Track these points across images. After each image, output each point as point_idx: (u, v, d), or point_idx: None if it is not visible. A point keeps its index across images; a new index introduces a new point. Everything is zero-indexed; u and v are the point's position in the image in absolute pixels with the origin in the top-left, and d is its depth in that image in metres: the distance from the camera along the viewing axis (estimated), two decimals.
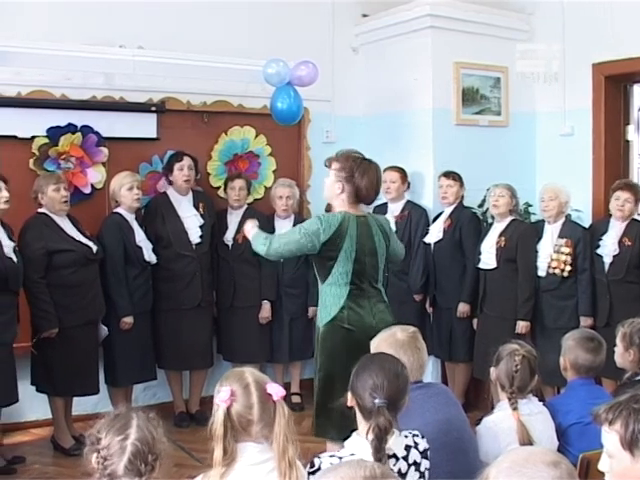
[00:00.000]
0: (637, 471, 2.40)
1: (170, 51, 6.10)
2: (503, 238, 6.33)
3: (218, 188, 7.03)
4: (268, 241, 4.76)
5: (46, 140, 6.21)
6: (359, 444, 2.92)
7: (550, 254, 6.24)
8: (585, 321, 6.15)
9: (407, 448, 2.99)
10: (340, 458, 2.87)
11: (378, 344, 3.65)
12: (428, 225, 6.86)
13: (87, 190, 6.41)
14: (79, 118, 6.32)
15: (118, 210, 6.18)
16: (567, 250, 6.17)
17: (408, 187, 7.03)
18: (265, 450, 2.77)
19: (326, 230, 4.59)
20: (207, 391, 6.52)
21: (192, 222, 6.49)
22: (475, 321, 6.59)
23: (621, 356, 4.30)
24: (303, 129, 7.44)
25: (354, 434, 3.01)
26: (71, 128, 6.28)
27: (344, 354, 4.47)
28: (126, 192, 6.13)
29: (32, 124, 6.17)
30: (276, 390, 2.80)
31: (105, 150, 6.44)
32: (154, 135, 6.75)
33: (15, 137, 6.10)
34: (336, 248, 4.61)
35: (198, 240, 6.48)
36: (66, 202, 5.79)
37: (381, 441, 2.83)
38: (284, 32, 7.05)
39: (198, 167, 6.65)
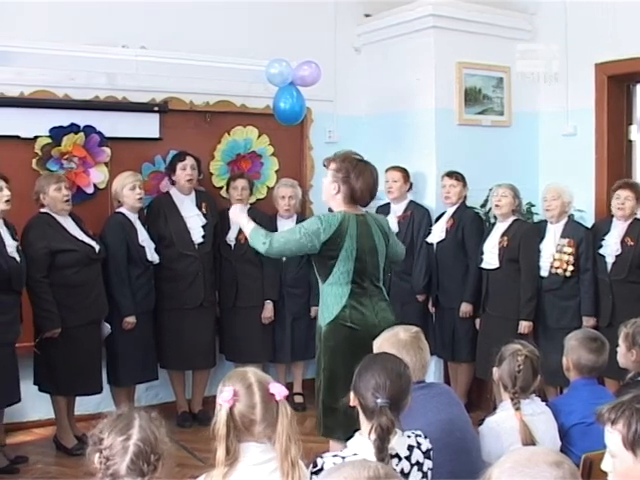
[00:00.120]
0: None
1: (173, 51, 6.10)
2: (506, 238, 6.33)
3: (221, 188, 7.03)
4: (268, 240, 4.73)
5: (49, 140, 6.22)
6: (362, 444, 2.92)
7: (552, 254, 6.24)
8: (588, 321, 6.15)
9: (410, 448, 2.99)
10: (343, 458, 2.88)
11: (381, 344, 3.65)
12: (431, 225, 6.86)
13: (90, 190, 6.42)
14: (82, 118, 6.33)
15: (121, 210, 6.19)
16: (569, 250, 6.17)
17: (410, 187, 7.03)
18: (268, 450, 2.77)
19: (326, 230, 4.58)
20: (210, 391, 6.54)
21: (195, 222, 6.49)
22: (478, 321, 6.59)
23: (624, 356, 4.30)
24: (306, 129, 7.44)
25: (357, 434, 3.01)
26: (74, 128, 6.29)
27: (348, 353, 4.47)
28: (128, 192, 6.13)
29: (35, 124, 6.18)
30: (279, 390, 2.80)
31: (108, 150, 6.45)
32: (157, 135, 6.75)
33: (18, 137, 6.11)
34: (337, 247, 4.61)
35: (201, 240, 6.49)
36: (68, 201, 5.79)
37: (383, 441, 2.84)
38: (287, 32, 7.06)
39: (201, 167, 6.66)
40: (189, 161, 6.47)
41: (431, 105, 7.10)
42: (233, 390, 2.75)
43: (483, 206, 6.98)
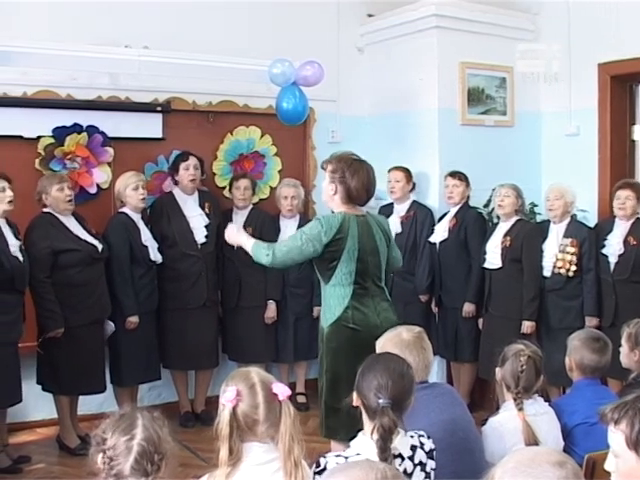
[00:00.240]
0: None
1: (175, 51, 6.10)
2: (508, 238, 6.32)
3: (223, 188, 7.03)
4: (271, 251, 4.70)
5: (52, 140, 6.23)
6: (365, 444, 2.92)
7: (555, 254, 6.24)
8: (590, 321, 6.14)
9: (413, 448, 2.99)
10: (346, 458, 2.88)
11: (384, 344, 3.65)
12: (434, 225, 6.86)
13: (93, 190, 6.42)
14: (85, 118, 6.33)
15: (124, 210, 6.19)
16: (572, 250, 6.17)
17: (413, 187, 7.02)
18: (271, 450, 2.77)
19: (327, 232, 4.57)
20: (212, 391, 6.54)
21: (198, 222, 6.50)
22: (480, 321, 6.59)
23: (627, 356, 4.30)
24: (308, 129, 7.44)
25: (360, 434, 3.01)
26: (77, 128, 6.29)
27: (350, 354, 4.47)
28: (132, 192, 6.13)
29: (38, 124, 6.18)
30: (282, 390, 2.80)
31: (111, 150, 6.46)
32: (160, 135, 6.76)
33: (21, 137, 6.12)
34: (338, 249, 4.60)
35: (204, 240, 6.49)
36: (70, 201, 5.80)
37: (386, 441, 2.84)
38: (289, 32, 7.06)
39: (204, 167, 6.66)
40: (192, 161, 6.47)
41: (434, 105, 7.10)
42: (236, 390, 2.76)
43: (486, 206, 6.99)
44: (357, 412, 3.09)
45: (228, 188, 6.93)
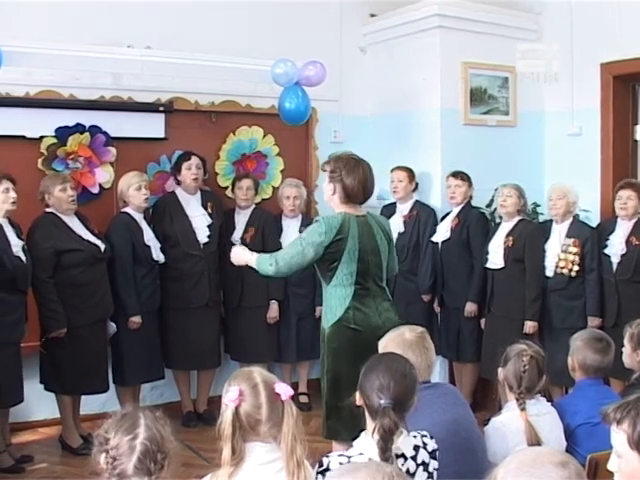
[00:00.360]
0: None
1: (178, 51, 6.09)
2: (511, 238, 6.32)
3: (226, 188, 7.03)
4: (274, 260, 4.70)
5: (54, 140, 6.23)
6: (367, 443, 2.92)
7: (558, 254, 6.23)
8: (593, 321, 6.14)
9: (416, 448, 2.99)
10: (349, 457, 2.89)
11: (386, 344, 3.65)
12: (436, 225, 6.85)
13: (95, 190, 6.43)
14: (87, 118, 6.33)
15: (126, 210, 6.19)
16: (575, 250, 6.17)
17: (416, 187, 7.02)
18: (273, 450, 2.77)
19: (328, 233, 4.57)
20: (215, 391, 6.53)
21: (200, 221, 6.50)
22: (483, 321, 6.59)
23: (629, 357, 4.30)
24: (311, 129, 7.44)
25: (363, 434, 3.01)
26: (79, 128, 6.30)
27: (351, 354, 4.48)
28: (134, 192, 6.14)
29: (40, 124, 6.18)
30: (284, 390, 2.80)
31: (113, 150, 6.46)
32: (162, 135, 6.76)
33: (24, 137, 6.12)
34: (339, 249, 4.60)
35: (206, 240, 6.49)
36: (73, 201, 5.80)
37: (387, 442, 2.83)
38: (292, 32, 7.06)
39: (206, 167, 6.66)
40: (194, 161, 6.47)
41: (436, 105, 7.10)
42: (239, 390, 2.76)
43: (489, 206, 6.98)
44: (359, 412, 3.10)
45: (230, 188, 6.93)
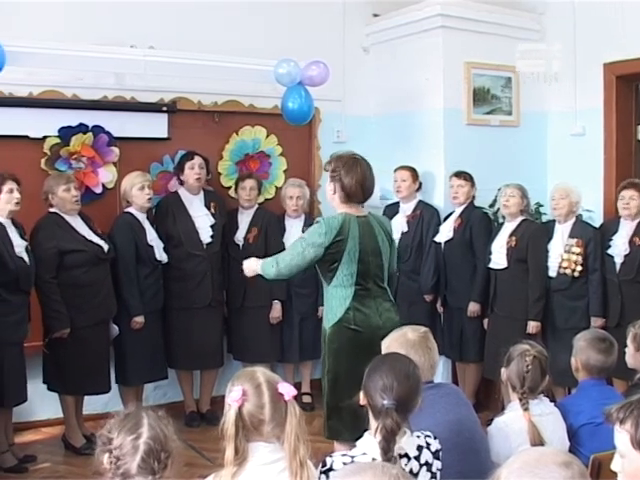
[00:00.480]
0: None
1: (181, 51, 6.09)
2: (514, 238, 6.32)
3: (229, 188, 7.04)
4: (275, 262, 4.75)
5: (57, 140, 6.24)
6: (371, 443, 2.92)
7: (561, 254, 6.23)
8: (596, 321, 6.13)
9: (419, 448, 2.99)
10: (352, 457, 2.89)
11: (389, 344, 3.65)
12: (439, 225, 6.85)
13: (98, 190, 6.43)
14: (90, 118, 6.34)
15: (129, 210, 6.19)
16: (578, 250, 6.16)
17: (420, 187, 7.02)
18: (276, 450, 2.77)
19: (328, 234, 4.57)
20: (218, 391, 6.55)
21: (203, 222, 6.50)
22: (486, 321, 6.58)
23: (632, 357, 4.30)
24: (314, 129, 7.44)
25: (366, 433, 3.01)
26: (82, 128, 6.30)
27: (352, 355, 4.51)
28: (137, 192, 6.14)
29: (44, 124, 6.19)
30: (287, 390, 2.80)
31: (116, 150, 6.46)
32: (165, 135, 6.77)
33: (27, 137, 6.12)
34: (339, 250, 4.60)
35: (209, 240, 6.49)
36: (77, 202, 5.81)
37: (389, 442, 2.83)
38: (295, 32, 7.06)
39: (209, 167, 6.66)
40: (197, 160, 6.47)
41: (439, 105, 7.10)
42: (242, 390, 2.76)
43: (492, 206, 6.98)
44: (359, 412, 3.10)
45: (234, 188, 6.93)
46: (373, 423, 2.97)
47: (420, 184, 7.01)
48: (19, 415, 5.95)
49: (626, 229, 6.15)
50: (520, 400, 3.75)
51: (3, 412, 5.54)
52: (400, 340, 3.62)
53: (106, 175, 6.45)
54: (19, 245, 5.42)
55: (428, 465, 3.00)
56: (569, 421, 3.89)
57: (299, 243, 4.69)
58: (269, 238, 6.64)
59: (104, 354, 6.00)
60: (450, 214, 6.84)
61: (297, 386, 6.55)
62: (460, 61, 7.08)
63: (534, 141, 7.54)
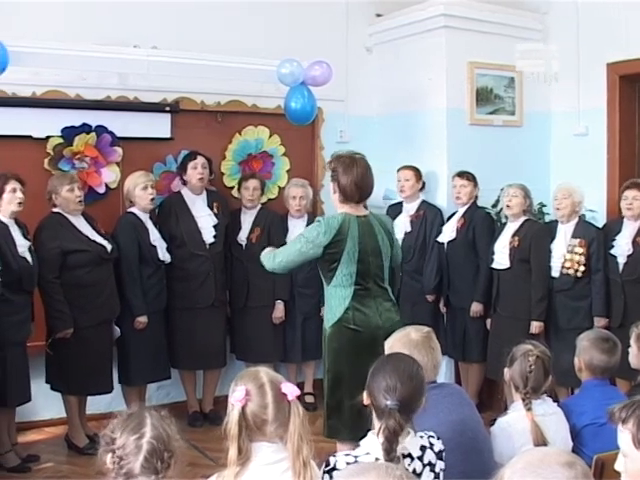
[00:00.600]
0: None
1: (184, 51, 6.10)
2: (516, 238, 6.32)
3: (232, 188, 7.04)
4: (272, 255, 4.79)
5: (61, 140, 6.24)
6: (374, 443, 2.92)
7: (564, 254, 6.22)
8: (599, 322, 6.13)
9: (422, 448, 2.99)
10: (356, 457, 2.89)
11: (392, 344, 3.65)
12: (443, 225, 6.85)
13: (101, 190, 6.44)
14: (93, 118, 6.35)
15: (132, 210, 6.20)
16: (581, 250, 6.16)
17: (423, 186, 7.02)
18: (279, 450, 2.77)
19: (327, 233, 4.59)
20: (220, 390, 6.54)
21: (206, 222, 6.50)
22: (489, 321, 6.58)
23: (635, 357, 4.29)
24: (317, 129, 7.44)
25: (370, 433, 3.00)
26: (85, 128, 6.31)
27: (351, 354, 4.54)
28: (140, 192, 6.14)
29: (47, 124, 6.20)
30: (291, 390, 2.80)
31: (119, 150, 6.47)
32: (168, 135, 6.77)
33: (30, 137, 6.13)
34: (338, 250, 4.61)
35: (212, 240, 6.49)
36: (81, 202, 5.81)
37: (392, 443, 2.83)
38: (298, 32, 7.07)
39: (212, 167, 6.66)
40: (200, 160, 6.47)
41: (442, 105, 7.09)
42: (245, 390, 2.76)
43: (494, 206, 6.98)
44: (359, 412, 3.10)
45: (237, 188, 6.94)
46: (376, 423, 2.97)
47: (423, 184, 7.01)
48: (22, 415, 5.95)
49: (629, 229, 6.14)
50: (523, 400, 3.75)
51: (6, 412, 5.55)
52: (403, 340, 3.62)
53: (109, 175, 6.46)
54: (22, 245, 5.43)
55: (431, 465, 2.99)
56: (572, 421, 3.89)
57: (298, 239, 4.72)
58: (272, 238, 6.63)
59: (107, 354, 6.00)
60: (453, 214, 6.83)
61: (300, 386, 6.55)
62: (463, 61, 7.08)
63: (537, 141, 7.54)
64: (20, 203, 5.41)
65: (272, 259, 4.78)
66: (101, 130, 6.37)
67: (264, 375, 2.83)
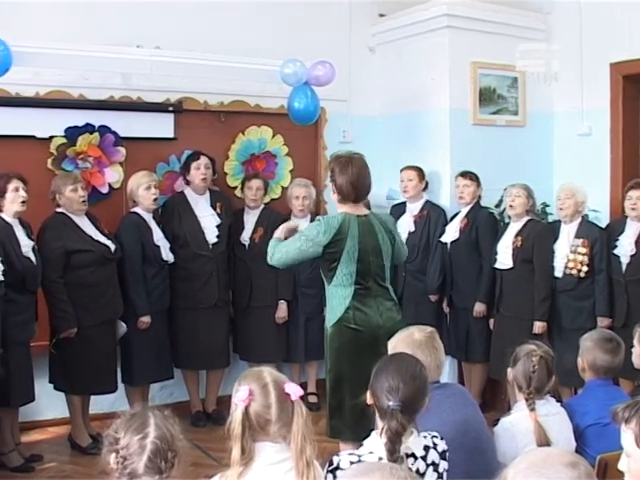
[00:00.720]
0: None
1: (187, 51, 6.10)
2: (519, 238, 6.31)
3: (235, 188, 7.04)
4: (272, 250, 4.81)
5: (64, 140, 6.25)
6: (377, 443, 2.92)
7: (567, 254, 6.22)
8: (602, 322, 6.12)
9: (426, 448, 2.99)
10: (359, 456, 2.89)
11: (395, 344, 3.64)
12: (446, 225, 6.84)
13: (105, 190, 6.44)
14: (97, 118, 6.35)
15: (136, 210, 6.20)
16: (584, 250, 6.15)
17: (426, 186, 7.02)
18: (283, 450, 2.77)
19: (326, 232, 4.60)
20: (223, 390, 6.54)
21: (209, 222, 6.51)
22: (492, 321, 6.58)
23: (639, 357, 4.29)
24: (320, 129, 7.44)
25: (373, 433, 3.01)
26: (89, 128, 6.31)
27: (352, 354, 4.55)
28: (144, 192, 6.15)
29: (50, 124, 6.20)
30: (294, 390, 2.81)
31: (122, 150, 6.47)
32: (171, 135, 6.77)
33: (33, 137, 6.14)
34: (338, 250, 4.62)
35: (215, 240, 6.50)
36: (84, 202, 5.82)
37: (394, 443, 2.83)
38: (301, 32, 7.07)
39: (215, 167, 6.66)
40: (203, 160, 6.48)
41: (445, 105, 7.09)
42: (249, 390, 2.76)
43: (497, 206, 6.97)
44: (362, 412, 3.11)
45: (240, 188, 6.94)
46: (379, 423, 2.97)
47: (427, 183, 7.01)
48: (25, 414, 5.96)
49: (632, 229, 6.13)
50: (526, 400, 3.75)
51: (9, 412, 5.55)
52: (407, 340, 3.62)
53: (112, 175, 6.46)
54: (26, 245, 5.43)
55: (435, 465, 2.99)
56: (575, 421, 3.88)
57: (298, 236, 4.74)
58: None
59: (111, 354, 6.01)
60: (456, 214, 6.83)
61: (303, 386, 6.51)
62: (466, 61, 7.08)
63: (540, 141, 7.53)
64: (23, 202, 5.41)
65: (271, 254, 4.81)
66: (104, 130, 6.38)
67: (267, 375, 2.83)
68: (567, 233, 6.32)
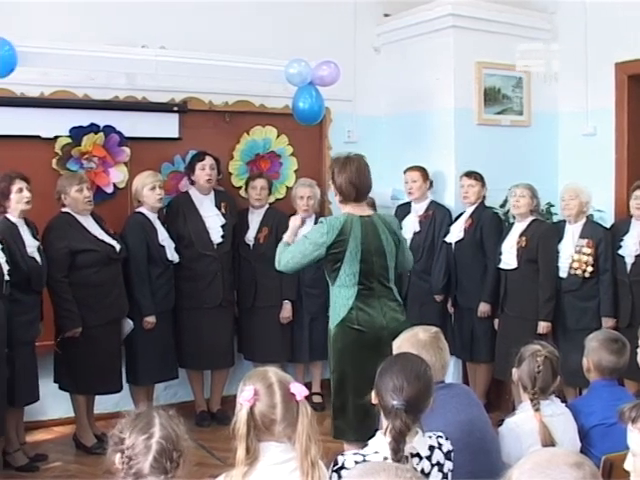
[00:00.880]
0: None
1: (192, 51, 6.10)
2: (524, 238, 6.31)
3: (240, 188, 7.04)
4: (279, 256, 4.84)
5: (69, 140, 6.26)
6: (382, 442, 2.92)
7: (571, 255, 6.21)
8: (607, 322, 6.12)
9: (431, 448, 2.99)
10: (364, 456, 2.89)
11: (400, 344, 3.64)
12: (451, 225, 6.84)
13: (109, 190, 6.45)
14: (102, 118, 6.36)
15: (140, 210, 6.21)
16: (588, 251, 6.15)
17: (431, 186, 7.01)
18: (288, 450, 2.77)
19: (329, 233, 4.62)
20: (228, 390, 6.55)
21: (214, 222, 6.51)
22: (496, 321, 6.57)
23: None
24: (325, 129, 7.44)
25: (378, 432, 3.01)
26: (94, 128, 6.32)
27: (356, 355, 4.56)
28: (148, 192, 6.15)
29: (55, 124, 6.22)
30: (299, 390, 2.81)
31: (127, 150, 6.48)
32: (176, 135, 6.78)
33: (38, 137, 6.15)
34: (341, 250, 4.63)
35: (220, 240, 6.50)
36: (89, 202, 5.82)
37: (398, 443, 2.83)
38: (306, 32, 7.07)
39: (220, 167, 6.66)
40: (208, 161, 6.48)
41: (450, 105, 7.09)
42: (254, 389, 2.76)
43: (502, 206, 6.97)
44: (366, 412, 3.11)
45: (244, 188, 6.94)
46: (384, 423, 2.97)
47: (431, 183, 7.00)
48: (30, 414, 5.96)
49: (637, 229, 6.12)
50: (531, 400, 3.74)
51: (14, 411, 5.55)
52: (411, 340, 3.62)
53: (117, 175, 6.47)
54: (31, 245, 5.44)
55: (440, 465, 2.99)
56: (580, 422, 3.88)
57: (302, 240, 4.77)
58: (279, 238, 6.62)
59: (116, 353, 6.01)
60: (461, 214, 6.83)
61: (307, 386, 6.49)
62: (471, 61, 7.08)
63: (545, 141, 7.53)
64: (28, 202, 5.42)
65: (278, 260, 4.84)
66: (109, 130, 6.38)
67: (273, 375, 2.84)
68: (572, 233, 6.31)
